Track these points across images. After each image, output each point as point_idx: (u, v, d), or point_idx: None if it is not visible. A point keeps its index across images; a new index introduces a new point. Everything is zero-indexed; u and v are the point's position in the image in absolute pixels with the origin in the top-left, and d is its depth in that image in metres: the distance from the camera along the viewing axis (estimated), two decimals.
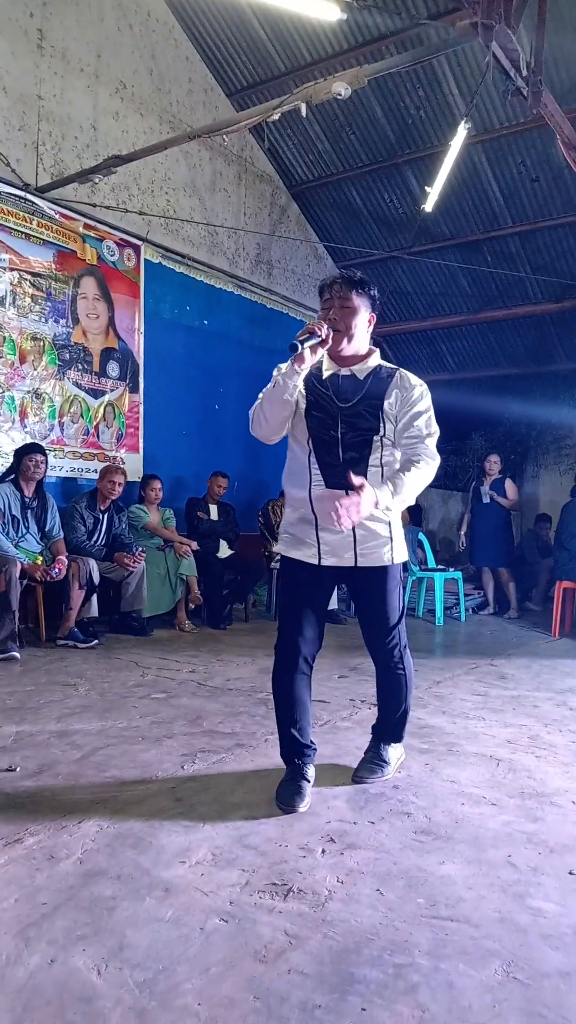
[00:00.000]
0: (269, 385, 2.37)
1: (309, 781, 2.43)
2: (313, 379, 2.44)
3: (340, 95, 4.30)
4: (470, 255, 8.47)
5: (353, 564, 2.44)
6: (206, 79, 7.31)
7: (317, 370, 2.45)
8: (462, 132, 5.21)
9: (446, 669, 4.60)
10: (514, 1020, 1.38)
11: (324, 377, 2.45)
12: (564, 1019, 1.39)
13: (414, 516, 9.54)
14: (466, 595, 7.18)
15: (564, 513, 6.44)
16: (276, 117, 4.66)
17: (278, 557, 5.37)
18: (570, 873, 1.96)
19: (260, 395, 2.40)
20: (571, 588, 6.29)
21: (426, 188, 6.05)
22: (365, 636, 2.61)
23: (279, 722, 2.50)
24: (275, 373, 2.37)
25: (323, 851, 2.06)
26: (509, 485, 7.36)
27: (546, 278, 8.37)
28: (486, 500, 7.28)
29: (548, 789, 2.57)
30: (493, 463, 7.42)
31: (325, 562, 2.43)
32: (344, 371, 2.46)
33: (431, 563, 7.22)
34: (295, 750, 2.47)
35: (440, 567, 7.24)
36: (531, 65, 4.13)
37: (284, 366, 2.34)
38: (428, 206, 6.11)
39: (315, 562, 2.44)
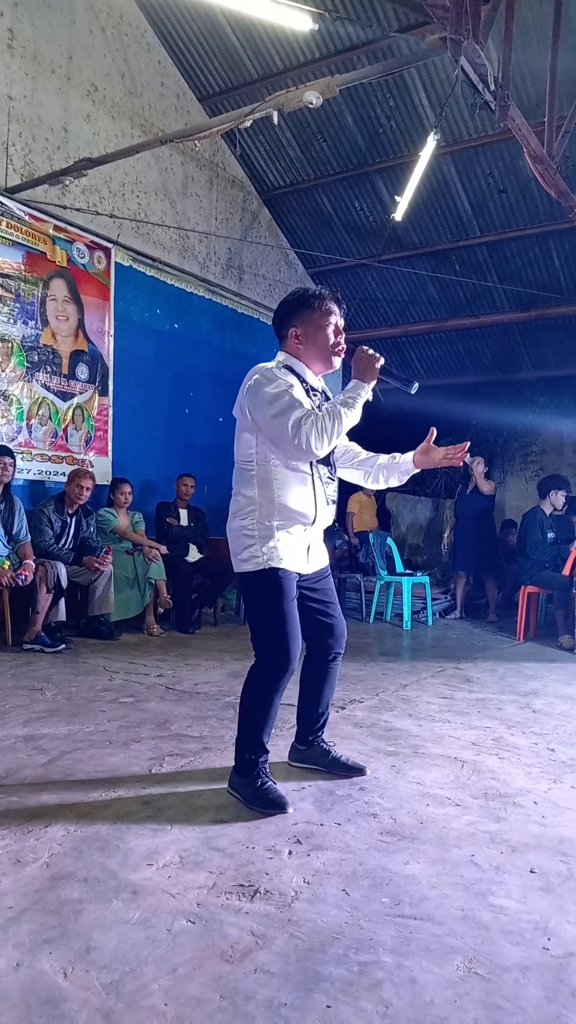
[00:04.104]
0: (341, 406, 2.38)
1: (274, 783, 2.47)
2: (312, 391, 2.52)
3: (312, 104, 4.35)
4: (439, 264, 8.59)
5: (317, 567, 2.65)
6: (178, 83, 7.33)
7: (305, 382, 2.52)
8: (431, 143, 5.29)
9: (413, 672, 4.66)
10: (474, 1012, 1.41)
11: (314, 386, 2.56)
12: (521, 1010, 1.43)
13: (383, 522, 9.63)
14: (433, 599, 7.26)
15: (526, 520, 6.53)
16: (248, 124, 4.69)
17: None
18: (531, 871, 2.01)
19: (323, 416, 2.33)
20: (535, 593, 6.40)
21: (396, 197, 6.12)
22: (330, 632, 2.67)
23: (261, 729, 2.47)
24: (351, 396, 2.42)
25: (290, 852, 2.08)
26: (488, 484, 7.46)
27: (513, 288, 8.52)
28: (468, 491, 7.32)
29: (511, 790, 2.62)
30: (477, 464, 7.38)
31: (310, 568, 2.59)
32: (318, 383, 2.60)
33: (399, 568, 7.28)
34: (260, 755, 2.48)
35: (407, 571, 7.31)
36: (498, 80, 4.20)
37: (360, 392, 2.43)
38: (398, 215, 6.18)
39: (306, 570, 2.57)
